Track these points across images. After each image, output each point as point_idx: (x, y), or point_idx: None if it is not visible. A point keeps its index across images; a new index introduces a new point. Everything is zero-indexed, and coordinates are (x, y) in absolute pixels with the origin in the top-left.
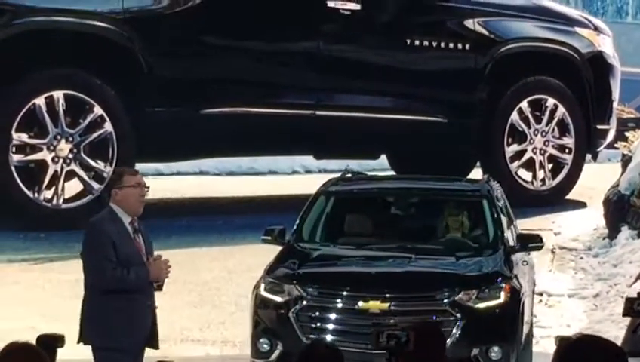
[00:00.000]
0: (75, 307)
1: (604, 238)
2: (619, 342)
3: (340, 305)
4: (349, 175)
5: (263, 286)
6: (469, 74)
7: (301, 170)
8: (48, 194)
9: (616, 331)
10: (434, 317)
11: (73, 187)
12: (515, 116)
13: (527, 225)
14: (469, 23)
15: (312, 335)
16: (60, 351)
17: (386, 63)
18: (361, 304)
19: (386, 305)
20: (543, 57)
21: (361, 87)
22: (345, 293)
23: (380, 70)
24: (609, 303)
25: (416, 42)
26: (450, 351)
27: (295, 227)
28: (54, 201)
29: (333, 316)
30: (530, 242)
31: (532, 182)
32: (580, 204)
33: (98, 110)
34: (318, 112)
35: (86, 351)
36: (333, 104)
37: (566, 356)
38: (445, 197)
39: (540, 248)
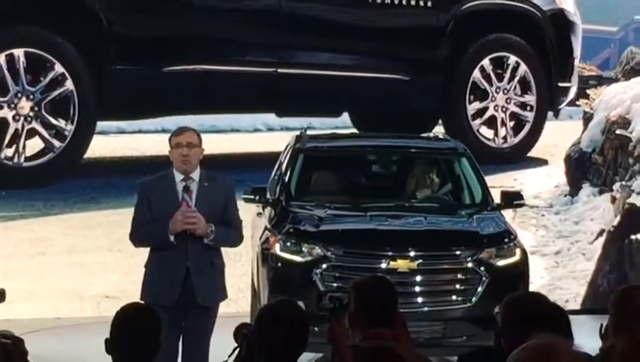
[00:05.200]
0: (36, 264)
1: (565, 196)
2: (580, 299)
3: (366, 265)
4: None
5: (278, 245)
6: (431, 31)
7: (263, 128)
8: (9, 152)
9: (577, 288)
10: (458, 275)
11: (34, 145)
12: (476, 74)
13: (488, 182)
14: None
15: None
16: (21, 308)
17: (348, 21)
18: (389, 263)
19: (414, 264)
20: (505, 15)
21: (323, 45)
22: (372, 252)
23: (342, 27)
24: (570, 260)
25: None
26: (475, 309)
27: (281, 185)
28: (15, 159)
29: (359, 276)
30: (514, 199)
31: (494, 140)
32: (541, 162)
33: (59, 68)
34: (279, 70)
35: (41, 308)
36: (295, 62)
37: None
38: (426, 155)
39: (522, 205)
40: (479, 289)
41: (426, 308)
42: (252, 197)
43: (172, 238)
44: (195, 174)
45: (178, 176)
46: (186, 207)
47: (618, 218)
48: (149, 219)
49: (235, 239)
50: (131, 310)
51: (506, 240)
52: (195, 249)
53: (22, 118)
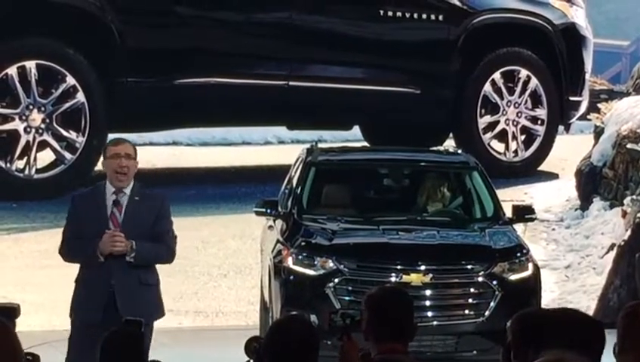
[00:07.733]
0: (46, 276)
1: (576, 209)
2: (590, 313)
3: (379, 279)
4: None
5: (291, 259)
6: (443, 45)
7: (274, 141)
8: (20, 164)
9: (587, 302)
10: (471, 290)
11: (45, 157)
12: (487, 87)
13: (499, 196)
14: None
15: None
16: (31, 320)
17: (359, 34)
18: (402, 277)
19: (427, 278)
20: (516, 28)
21: (334, 58)
22: (385, 266)
23: (353, 41)
24: (580, 274)
25: (390, 13)
26: (488, 324)
27: (293, 198)
28: (26, 171)
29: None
30: (526, 213)
31: (505, 154)
32: (552, 176)
33: (70, 80)
34: (291, 83)
35: (51, 320)
36: (306, 75)
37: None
38: (438, 168)
39: (534, 219)
40: (492, 303)
41: (438, 322)
42: (263, 209)
43: (102, 258)
44: (128, 188)
45: (110, 190)
46: (114, 221)
47: (629, 232)
48: (78, 234)
49: (164, 256)
50: (117, 335)
51: (519, 254)
52: (119, 267)
53: (33, 130)
